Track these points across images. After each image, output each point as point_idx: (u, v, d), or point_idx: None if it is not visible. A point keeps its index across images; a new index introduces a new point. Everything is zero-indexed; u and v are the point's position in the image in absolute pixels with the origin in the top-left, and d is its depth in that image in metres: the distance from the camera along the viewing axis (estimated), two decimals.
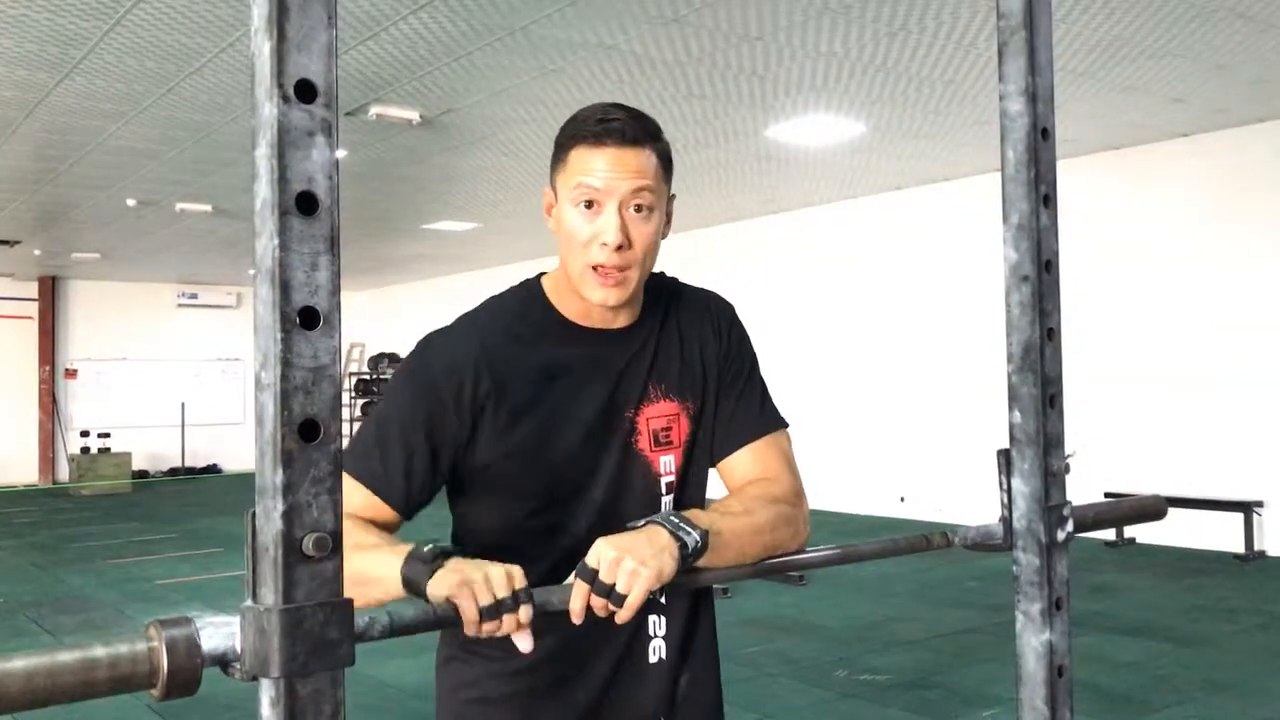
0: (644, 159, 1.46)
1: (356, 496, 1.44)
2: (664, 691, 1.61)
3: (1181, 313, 8.48)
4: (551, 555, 1.49)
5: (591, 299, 1.48)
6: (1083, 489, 7.40)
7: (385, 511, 1.45)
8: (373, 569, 1.28)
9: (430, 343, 1.52)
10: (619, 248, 1.44)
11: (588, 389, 1.52)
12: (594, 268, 1.46)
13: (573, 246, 1.47)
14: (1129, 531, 8.54)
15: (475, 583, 1.14)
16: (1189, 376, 8.41)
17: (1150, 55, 6.31)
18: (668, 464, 1.57)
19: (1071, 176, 8.61)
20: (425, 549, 1.25)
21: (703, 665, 1.67)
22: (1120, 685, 4.92)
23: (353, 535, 1.32)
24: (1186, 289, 8.45)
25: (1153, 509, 1.40)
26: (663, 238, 1.53)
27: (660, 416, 1.57)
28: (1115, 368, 8.75)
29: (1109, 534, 8.50)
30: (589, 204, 1.45)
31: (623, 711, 1.58)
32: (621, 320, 1.56)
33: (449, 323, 1.56)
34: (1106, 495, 8.15)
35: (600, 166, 1.44)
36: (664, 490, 1.57)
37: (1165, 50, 6.21)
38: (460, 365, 1.47)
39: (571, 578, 1.23)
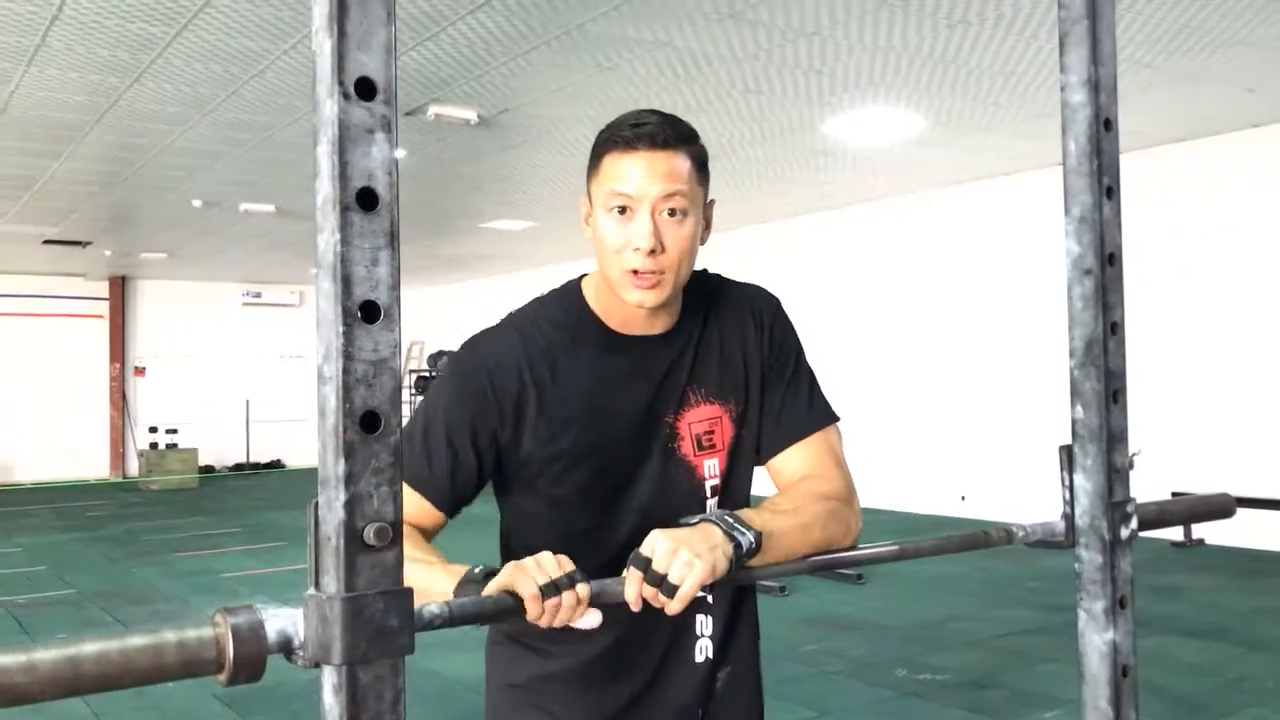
0: (676, 162, 1.44)
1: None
2: (706, 689, 1.62)
3: (1253, 308, 8.26)
4: (594, 561, 1.49)
5: (629, 300, 1.47)
6: (1150, 488, 7.23)
7: (430, 513, 1.47)
8: (423, 584, 1.29)
9: (474, 344, 1.54)
10: (652, 252, 1.43)
11: (627, 396, 1.52)
12: (631, 272, 1.45)
13: (608, 253, 1.47)
14: (1197, 532, 8.35)
15: (528, 567, 1.15)
16: (1261, 373, 8.19)
17: (1220, 44, 6.15)
18: (711, 468, 1.57)
19: (1138, 169, 8.44)
20: (477, 569, 1.27)
21: (743, 663, 1.66)
22: (1188, 688, 4.81)
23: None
24: (1258, 283, 8.23)
25: (1220, 507, 1.37)
26: (702, 243, 1.52)
27: (702, 420, 1.56)
28: (1185, 364, 8.56)
29: (1176, 534, 8.31)
30: (622, 210, 1.44)
31: (664, 706, 1.59)
32: (660, 326, 1.55)
33: (491, 324, 1.57)
34: (1174, 494, 7.98)
35: (632, 171, 1.43)
36: (709, 494, 1.57)
37: (1236, 38, 6.06)
38: (504, 364, 1.49)
39: (626, 569, 1.22)
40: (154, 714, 4.73)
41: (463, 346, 1.55)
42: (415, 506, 1.46)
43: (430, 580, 1.30)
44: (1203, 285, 8.57)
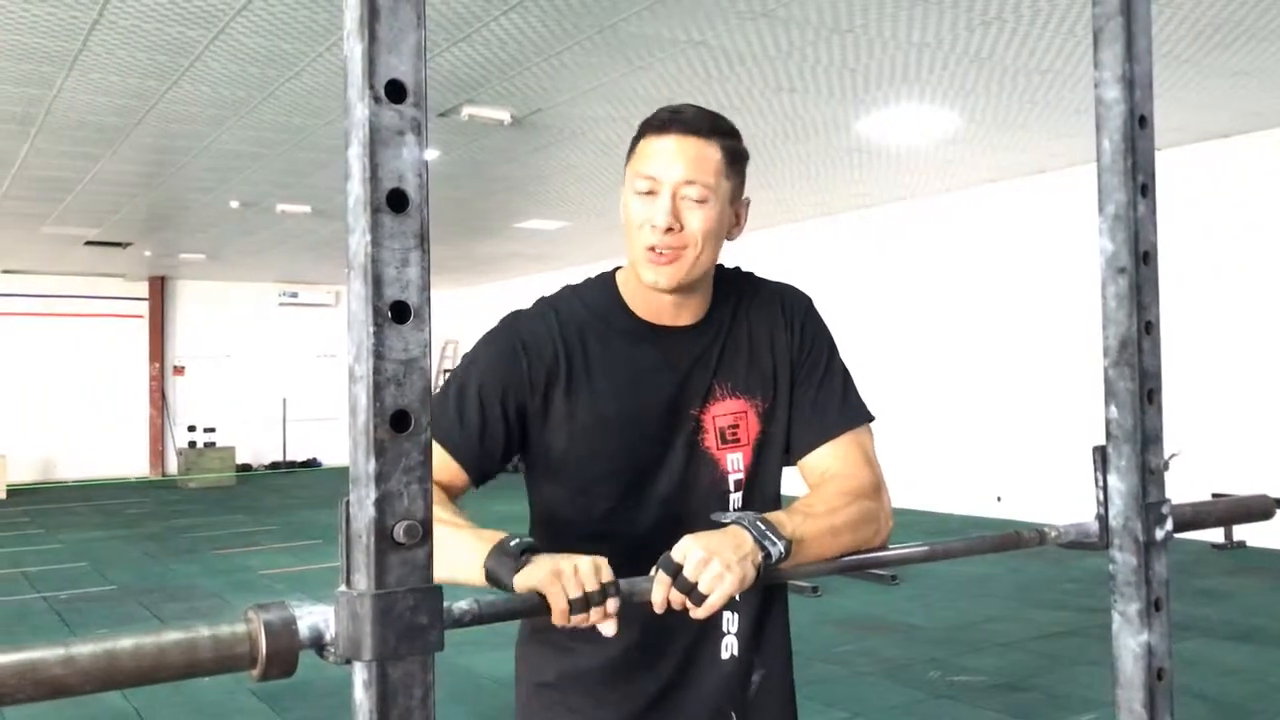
0: (704, 150, 1.47)
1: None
2: (734, 687, 1.61)
3: None
4: (615, 548, 1.50)
5: (646, 280, 1.49)
6: (1191, 489, 7.14)
7: (457, 475, 1.47)
8: (450, 547, 1.26)
9: (512, 318, 1.57)
10: (668, 229, 1.45)
11: (652, 386, 1.54)
12: (649, 249, 1.47)
13: (630, 231, 1.50)
14: (1238, 533, 8.22)
15: (565, 575, 1.15)
16: None
17: (1260, 38, 6.05)
18: (735, 462, 1.57)
19: (1175, 166, 8.33)
20: (512, 543, 1.24)
21: (777, 664, 1.66)
22: (1228, 693, 4.74)
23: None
24: None
25: (1259, 508, 1.35)
26: (730, 238, 1.54)
27: (727, 414, 1.57)
28: (1229, 363, 8.43)
29: (1217, 536, 8.20)
30: (648, 192, 1.48)
31: (691, 704, 1.59)
32: (687, 317, 1.56)
33: (527, 305, 1.60)
34: (1214, 496, 7.85)
35: (661, 153, 1.47)
36: (732, 488, 1.57)
37: (1277, 32, 5.96)
38: (539, 338, 1.52)
39: (654, 570, 1.23)
40: (191, 708, 4.79)
41: (501, 320, 1.58)
42: (442, 465, 1.45)
43: (458, 546, 1.27)
44: (1242, 284, 8.44)
